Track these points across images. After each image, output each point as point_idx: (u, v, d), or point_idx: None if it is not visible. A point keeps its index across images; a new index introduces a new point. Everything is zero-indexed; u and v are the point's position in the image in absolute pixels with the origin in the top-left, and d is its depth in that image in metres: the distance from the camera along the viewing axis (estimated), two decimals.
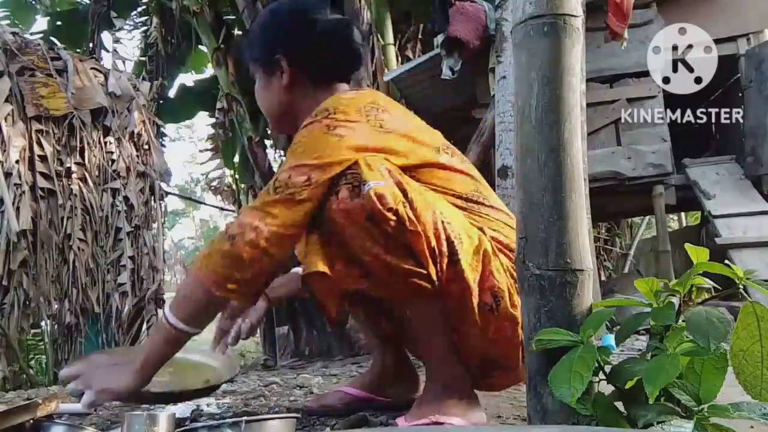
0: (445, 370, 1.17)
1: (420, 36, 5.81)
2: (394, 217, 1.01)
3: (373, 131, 1.10)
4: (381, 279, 1.06)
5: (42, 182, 4.43)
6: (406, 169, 1.10)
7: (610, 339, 1.72)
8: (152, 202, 5.29)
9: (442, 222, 1.06)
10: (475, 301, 1.08)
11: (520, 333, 1.08)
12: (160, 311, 4.96)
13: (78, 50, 6.30)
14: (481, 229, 1.14)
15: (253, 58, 1.30)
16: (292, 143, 1.13)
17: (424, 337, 1.18)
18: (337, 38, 1.27)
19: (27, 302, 4.27)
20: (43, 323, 4.63)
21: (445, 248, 1.05)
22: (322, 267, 1.05)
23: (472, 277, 1.08)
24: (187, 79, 7.83)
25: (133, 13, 7.04)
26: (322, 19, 1.25)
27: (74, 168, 4.67)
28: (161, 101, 6.40)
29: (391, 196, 1.01)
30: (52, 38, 6.39)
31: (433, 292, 1.07)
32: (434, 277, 1.06)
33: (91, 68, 5.08)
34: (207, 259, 1.04)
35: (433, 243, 1.04)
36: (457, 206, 1.14)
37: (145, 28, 7.11)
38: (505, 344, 1.12)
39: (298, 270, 1.31)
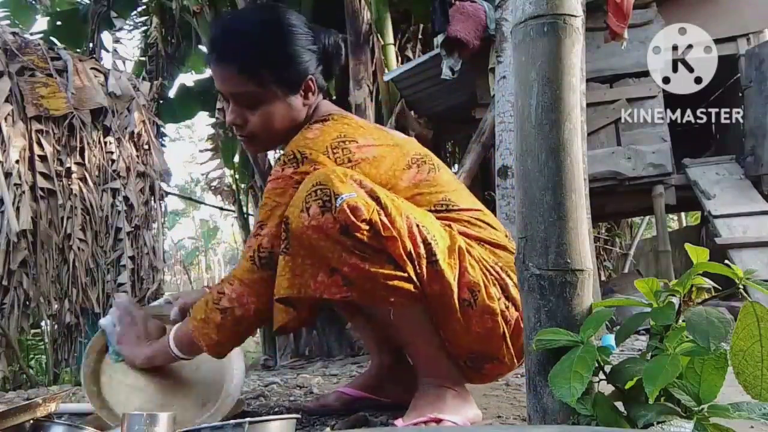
0: (437, 369, 1.19)
1: (420, 36, 5.81)
2: (367, 227, 1.04)
3: None
4: (363, 287, 1.08)
5: (42, 182, 4.43)
6: None
7: (610, 339, 1.72)
8: (152, 202, 5.29)
9: (417, 225, 1.09)
10: (456, 298, 1.11)
11: (500, 324, 1.12)
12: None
13: (78, 50, 6.29)
14: (449, 226, 1.18)
15: (272, 83, 1.24)
16: (263, 195, 1.20)
17: (412, 340, 1.20)
18: (336, 51, 1.34)
19: (27, 302, 4.27)
20: (43, 323, 4.63)
21: (422, 250, 1.08)
22: (285, 291, 1.10)
23: (451, 275, 1.10)
24: (187, 79, 7.84)
25: (133, 13, 7.04)
26: (323, 36, 1.31)
27: (74, 168, 4.67)
28: (161, 101, 6.39)
29: (364, 206, 1.03)
30: (52, 38, 6.39)
31: (416, 294, 1.09)
32: (415, 279, 1.08)
33: (91, 68, 5.09)
34: (203, 325, 1.17)
35: (409, 246, 1.07)
36: None
37: (145, 28, 7.11)
38: (488, 336, 1.14)
39: None
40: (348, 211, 1.02)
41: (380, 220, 1.04)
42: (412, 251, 1.07)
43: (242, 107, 1.26)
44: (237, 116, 1.26)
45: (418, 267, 1.08)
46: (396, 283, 1.07)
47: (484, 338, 1.14)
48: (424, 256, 1.08)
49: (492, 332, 1.14)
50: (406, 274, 1.07)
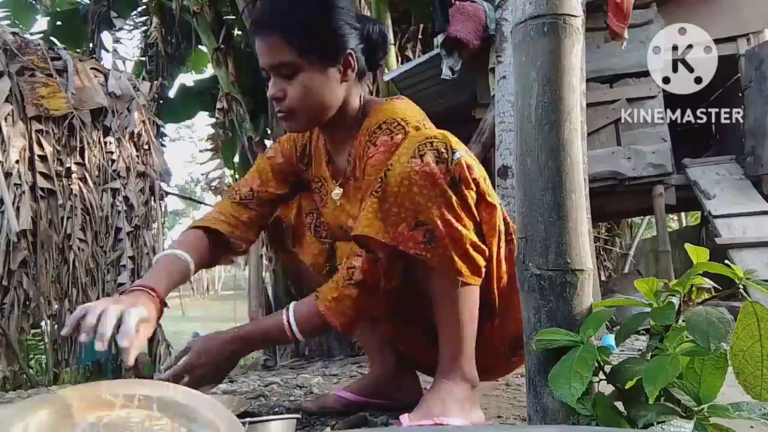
0: (460, 361, 1.16)
1: (420, 36, 5.81)
2: (475, 187, 1.07)
3: None
4: (444, 249, 1.06)
5: (42, 182, 4.43)
6: None
7: (610, 339, 1.72)
8: (152, 202, 5.29)
9: (500, 205, 1.16)
10: None
11: None
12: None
13: (78, 50, 6.30)
14: None
15: (312, 51, 1.20)
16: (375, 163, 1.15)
17: (454, 322, 1.15)
18: (381, 40, 1.31)
19: (27, 302, 4.27)
20: (43, 323, 4.63)
21: (503, 227, 1.16)
22: (363, 230, 1.06)
23: None
24: (187, 79, 7.85)
25: (133, 13, 7.05)
26: (368, 23, 1.30)
27: (74, 168, 4.67)
28: (161, 101, 6.39)
29: (477, 168, 1.08)
30: (52, 38, 6.40)
31: (483, 270, 1.12)
32: (487, 254, 1.13)
33: (91, 68, 5.08)
34: (337, 305, 1.13)
35: (500, 221, 1.14)
36: None
37: (145, 28, 7.12)
38: None
39: (178, 254, 1.26)
40: (465, 166, 1.05)
41: (486, 187, 1.10)
42: (501, 226, 1.13)
43: (282, 78, 1.22)
44: (277, 89, 1.23)
45: (499, 242, 1.13)
46: (475, 254, 1.09)
47: None
48: (504, 232, 1.15)
49: None
50: (485, 249, 1.11)
